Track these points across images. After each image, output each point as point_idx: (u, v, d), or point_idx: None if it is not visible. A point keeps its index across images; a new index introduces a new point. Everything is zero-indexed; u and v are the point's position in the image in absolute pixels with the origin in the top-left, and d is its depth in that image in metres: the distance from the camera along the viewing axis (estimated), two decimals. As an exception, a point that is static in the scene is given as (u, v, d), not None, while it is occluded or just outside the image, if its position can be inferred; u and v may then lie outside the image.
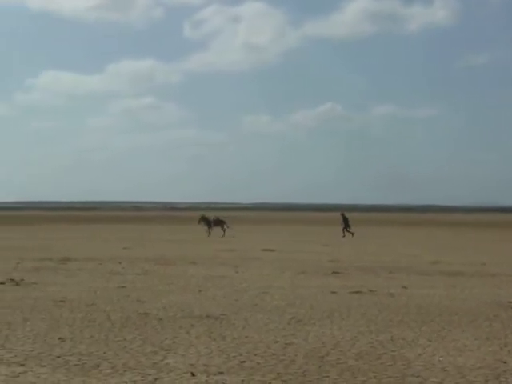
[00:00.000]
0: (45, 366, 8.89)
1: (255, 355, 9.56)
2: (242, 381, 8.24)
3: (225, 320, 12.32)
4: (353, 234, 48.55)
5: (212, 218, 50.59)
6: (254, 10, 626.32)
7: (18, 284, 17.45)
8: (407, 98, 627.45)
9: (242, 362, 9.18)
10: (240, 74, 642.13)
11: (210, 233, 48.25)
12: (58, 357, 9.37)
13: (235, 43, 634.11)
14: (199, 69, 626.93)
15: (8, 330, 11.23)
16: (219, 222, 49.70)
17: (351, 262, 25.27)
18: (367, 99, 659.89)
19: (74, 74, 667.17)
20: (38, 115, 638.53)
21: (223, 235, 47.67)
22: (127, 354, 9.59)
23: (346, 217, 49.63)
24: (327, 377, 8.46)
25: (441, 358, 9.52)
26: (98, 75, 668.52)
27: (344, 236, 48.47)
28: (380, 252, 32.18)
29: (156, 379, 8.26)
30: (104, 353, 9.63)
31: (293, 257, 27.98)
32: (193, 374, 8.47)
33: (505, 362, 9.31)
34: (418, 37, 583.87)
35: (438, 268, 23.51)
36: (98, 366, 8.90)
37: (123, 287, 16.98)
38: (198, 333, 11.11)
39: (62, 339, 10.51)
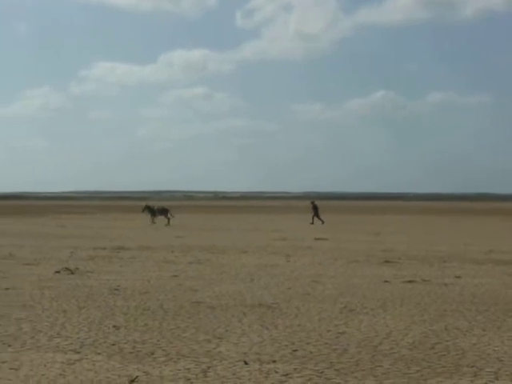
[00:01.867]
0: (100, 353, 9.02)
1: (308, 344, 9.57)
2: (295, 369, 8.26)
3: (277, 309, 12.35)
4: (313, 222, 50.21)
5: (156, 207, 51.56)
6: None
7: (73, 273, 17.70)
8: (461, 85, 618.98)
9: (294, 350, 9.20)
10: (292, 62, 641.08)
11: (153, 221, 49.07)
12: (113, 344, 9.50)
13: (287, 31, 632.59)
14: (251, 58, 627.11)
15: (64, 317, 11.42)
16: (163, 211, 50.57)
17: (404, 251, 25.09)
18: (421, 86, 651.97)
19: (128, 64, 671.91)
20: (93, 106, 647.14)
21: (167, 224, 47.96)
22: (181, 342, 9.68)
23: (316, 205, 51.71)
24: (380, 366, 8.43)
25: (496, 348, 9.42)
26: (151, 65, 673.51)
27: (312, 223, 49.94)
28: (433, 241, 31.89)
29: (209, 367, 8.33)
30: (158, 341, 9.73)
31: (345, 246, 27.90)
32: (246, 363, 8.51)
33: (561, 353, 9.17)
34: (473, 23, 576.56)
35: (491, 257, 23.21)
36: (153, 353, 9.00)
37: (176, 276, 17.12)
38: (250, 321, 11.16)
39: (116, 327, 10.65)
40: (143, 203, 52.89)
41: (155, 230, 40.97)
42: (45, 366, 8.36)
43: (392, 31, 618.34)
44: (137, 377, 7.88)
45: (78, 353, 9.03)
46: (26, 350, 9.14)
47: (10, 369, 8.21)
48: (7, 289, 14.70)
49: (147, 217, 50.67)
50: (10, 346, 9.40)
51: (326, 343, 9.62)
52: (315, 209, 51.46)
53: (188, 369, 8.25)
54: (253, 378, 7.90)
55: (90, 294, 13.99)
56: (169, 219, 49.06)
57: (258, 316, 11.62)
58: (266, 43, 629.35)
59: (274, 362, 8.60)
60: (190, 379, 7.85)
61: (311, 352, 9.12)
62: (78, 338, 9.90)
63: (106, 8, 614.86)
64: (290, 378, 7.94)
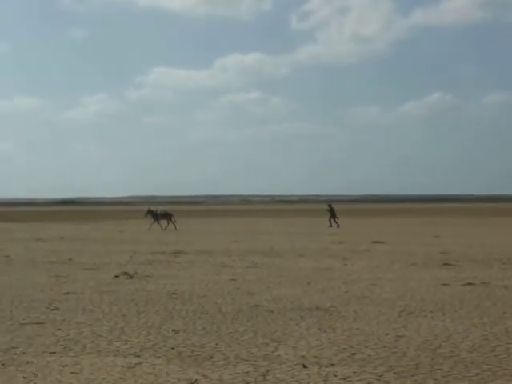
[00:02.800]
0: (159, 357, 9.09)
1: (366, 347, 9.51)
2: (354, 373, 8.22)
3: (335, 312, 12.31)
4: (331, 225, 50.59)
5: (159, 212, 51.19)
6: (361, 1, 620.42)
7: (131, 277, 17.89)
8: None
9: (353, 354, 9.16)
10: (347, 65, 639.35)
11: (154, 225, 48.74)
12: (172, 348, 9.57)
13: (343, 34, 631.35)
14: (306, 61, 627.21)
15: (123, 322, 11.54)
16: (166, 216, 50.33)
17: (463, 254, 24.78)
18: (478, 88, 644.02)
19: (183, 69, 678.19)
20: (148, 111, 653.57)
21: (175, 228, 47.83)
22: (239, 345, 9.71)
23: (332, 208, 52.54)
24: (440, 369, 8.34)
25: (559, 352, 9.24)
26: (206, 70, 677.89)
27: (330, 226, 50.56)
28: (492, 243, 31.43)
29: (268, 370, 8.33)
30: (216, 344, 9.77)
31: (403, 249, 27.67)
32: (304, 366, 8.50)
33: None
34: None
35: (554, 259, 22.78)
36: (212, 357, 9.04)
37: (233, 280, 17.18)
38: (308, 325, 11.14)
39: (175, 331, 10.72)
40: (147, 208, 52.64)
41: (213, 235, 41.14)
42: (105, 369, 8.45)
43: (448, 32, 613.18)
44: (196, 380, 7.93)
45: (138, 356, 9.11)
46: (87, 354, 9.26)
47: (71, 373, 8.32)
48: (67, 293, 14.93)
49: (156, 221, 50.21)
50: (70, 349, 9.54)
51: (385, 346, 9.55)
52: (332, 211, 52.26)
53: (247, 372, 8.27)
54: (312, 382, 7.87)
55: (148, 299, 14.12)
56: (174, 223, 49.04)
57: (316, 319, 11.59)
58: (321, 46, 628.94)
59: (333, 365, 8.57)
60: (249, 383, 7.86)
61: (370, 355, 9.06)
62: (138, 341, 10.00)
63: (162, 13, 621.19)
64: (349, 381, 7.90)
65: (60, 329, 10.96)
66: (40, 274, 18.72)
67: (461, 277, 17.46)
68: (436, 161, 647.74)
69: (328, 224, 51.44)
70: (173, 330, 10.76)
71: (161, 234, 41.85)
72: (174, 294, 14.78)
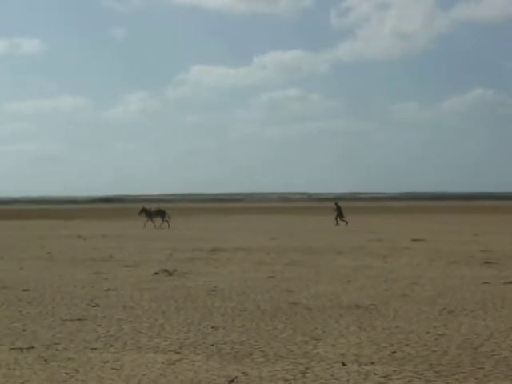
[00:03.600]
0: (199, 353, 9.13)
1: (406, 345, 9.46)
2: (394, 371, 8.18)
3: (374, 310, 12.26)
4: (346, 222, 50.31)
5: (153, 210, 51.22)
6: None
7: (171, 274, 17.98)
8: None
9: (393, 352, 9.11)
10: (388, 61, 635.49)
11: (148, 224, 48.47)
12: (212, 345, 9.61)
13: (383, 30, 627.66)
14: (346, 58, 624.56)
15: (163, 318, 11.61)
16: (160, 213, 50.38)
17: (504, 252, 24.51)
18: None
19: (222, 67, 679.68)
20: (188, 109, 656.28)
21: (168, 226, 47.86)
22: (278, 343, 9.72)
23: (339, 206, 51.94)
24: (481, 368, 8.27)
25: None
26: (245, 68, 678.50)
27: (337, 224, 50.16)
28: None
29: (307, 368, 8.33)
30: (256, 341, 9.79)
31: (443, 246, 27.44)
32: (344, 364, 8.48)
33: None
34: None
35: None
36: (251, 354, 9.06)
37: (272, 277, 17.19)
38: (347, 323, 11.11)
39: (214, 328, 10.76)
40: (141, 206, 53.16)
41: (251, 232, 41.19)
42: (146, 366, 8.52)
43: (490, 27, 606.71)
44: (236, 377, 7.95)
45: (178, 353, 9.16)
46: (128, 351, 9.34)
47: (112, 369, 8.40)
48: (108, 290, 15.06)
49: (150, 219, 50.31)
50: (111, 346, 9.63)
51: (425, 345, 9.49)
52: (338, 209, 51.88)
53: (286, 370, 8.27)
54: (351, 380, 7.86)
55: (188, 295, 14.19)
56: (167, 221, 49.24)
57: (356, 317, 11.56)
58: (362, 42, 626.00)
59: (373, 363, 8.54)
60: (288, 380, 7.87)
61: (410, 354, 9.02)
62: (178, 338, 10.06)
63: (201, 11, 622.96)
64: (390, 379, 7.87)
65: (101, 325, 11.07)
66: (81, 271, 18.91)
67: (502, 275, 17.28)
68: (475, 158, 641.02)
69: (334, 222, 51.25)
70: (212, 327, 10.81)
71: (200, 232, 42.00)
72: (213, 290, 14.83)
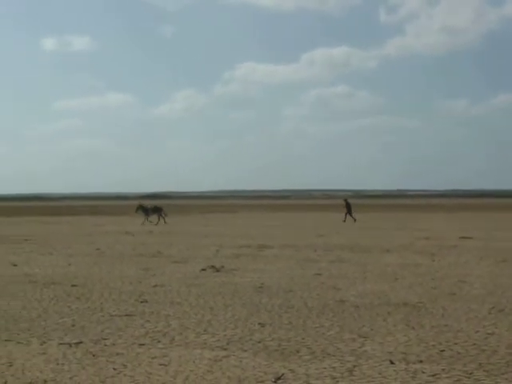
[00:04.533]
0: (246, 350, 9.14)
1: (455, 344, 9.36)
2: (443, 370, 8.10)
3: (422, 308, 12.16)
4: (355, 219, 50.35)
5: (149, 206, 51.88)
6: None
7: (218, 270, 18.04)
8: None
9: (441, 350, 9.02)
10: (436, 57, 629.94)
11: (147, 220, 49.18)
12: (259, 342, 9.61)
13: (432, 26, 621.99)
14: (395, 54, 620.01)
15: (210, 314, 11.65)
16: (157, 210, 50.91)
17: (555, 250, 24.12)
18: None
19: (270, 64, 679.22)
20: (236, 106, 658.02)
21: (164, 222, 48.62)
22: (325, 340, 9.69)
23: (348, 203, 52.44)
24: (532, 368, 8.14)
25: None
26: (293, 64, 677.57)
27: (345, 221, 50.51)
28: None
29: (355, 366, 8.29)
30: (303, 339, 9.77)
31: (492, 245, 27.11)
32: (392, 362, 8.42)
33: None
34: None
35: None
36: (298, 351, 9.05)
37: (319, 274, 17.14)
38: (395, 321, 11.03)
39: (261, 324, 10.77)
40: (138, 203, 53.90)
41: (298, 229, 41.15)
42: (193, 362, 8.55)
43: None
44: (282, 374, 7.94)
45: (225, 349, 9.18)
46: (175, 347, 9.39)
47: (160, 364, 8.44)
48: (156, 286, 15.16)
49: (147, 216, 50.61)
50: (159, 342, 9.68)
51: (475, 344, 9.38)
52: (348, 206, 52.07)
53: (333, 367, 8.24)
54: (399, 378, 7.80)
55: (235, 292, 14.22)
56: (164, 218, 49.83)
57: (403, 315, 11.47)
58: (410, 38, 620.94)
59: (421, 362, 8.47)
60: (335, 378, 7.84)
61: (459, 352, 8.92)
62: (225, 334, 10.08)
63: (250, 8, 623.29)
64: (438, 378, 7.80)
65: (149, 321, 11.14)
66: (129, 267, 19.07)
67: (553, 274, 17.01)
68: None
69: (343, 219, 51.55)
70: (259, 324, 10.81)
71: (245, 228, 42.07)
72: (260, 287, 14.84)
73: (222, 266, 18.79)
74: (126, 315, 11.63)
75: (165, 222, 49.00)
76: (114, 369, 8.25)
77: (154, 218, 50.03)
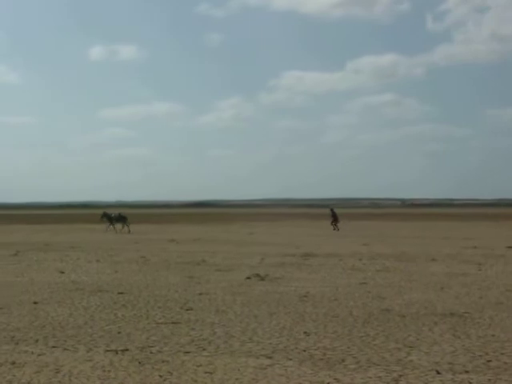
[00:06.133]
0: (291, 359, 9.13)
1: (502, 354, 9.25)
2: (489, 380, 8.01)
3: (469, 318, 12.03)
4: (338, 229, 51.81)
5: (113, 215, 52.81)
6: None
7: (263, 279, 18.05)
8: None
9: (488, 361, 8.92)
10: (485, 65, 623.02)
11: (110, 228, 50.55)
12: (304, 350, 9.60)
13: (480, 34, 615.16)
14: (442, 61, 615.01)
15: (255, 323, 11.66)
16: (121, 219, 51.99)
17: None
18: None
19: (316, 72, 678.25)
20: (281, 115, 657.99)
21: (128, 231, 49.41)
22: (371, 349, 9.64)
23: (334, 212, 54.33)
24: None
25: None
26: (339, 72, 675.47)
27: (334, 229, 51.94)
28: None
29: (401, 376, 8.23)
30: (348, 348, 9.74)
31: (540, 254, 26.70)
32: (438, 372, 8.35)
33: None
34: None
35: None
36: (343, 360, 9.01)
37: (364, 283, 17.06)
38: (441, 330, 10.93)
39: (306, 333, 10.75)
40: (102, 211, 55.76)
41: (343, 238, 40.99)
42: (238, 370, 8.57)
43: None
44: (328, 383, 7.92)
45: (270, 358, 9.18)
46: (220, 354, 9.41)
47: (205, 372, 8.48)
48: (201, 294, 15.22)
49: (111, 224, 51.98)
50: (204, 349, 9.72)
51: (523, 355, 9.25)
52: (334, 215, 53.84)
53: (379, 377, 8.20)
54: (445, 389, 7.73)
55: (279, 300, 14.21)
56: (128, 226, 50.72)
57: (450, 325, 11.37)
58: (458, 46, 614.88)
59: (467, 372, 8.38)
60: (380, 387, 7.79)
61: (506, 363, 8.81)
62: (270, 343, 10.08)
63: (297, 16, 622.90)
64: (485, 389, 7.71)
65: (194, 329, 11.19)
66: (174, 275, 19.18)
67: None
68: None
69: (332, 227, 52.83)
70: (304, 333, 10.79)
71: (289, 237, 42.02)
72: (304, 296, 14.82)
73: (267, 275, 18.80)
74: (172, 323, 11.69)
75: (129, 231, 49.96)
76: (160, 376, 8.31)
77: (117, 225, 51.58)
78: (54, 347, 9.90)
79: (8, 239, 40.99)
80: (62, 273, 19.95)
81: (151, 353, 9.53)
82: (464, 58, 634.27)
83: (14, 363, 8.96)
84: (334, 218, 53.45)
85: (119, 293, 15.48)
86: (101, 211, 59.84)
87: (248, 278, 18.27)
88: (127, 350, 9.71)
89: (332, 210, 55.25)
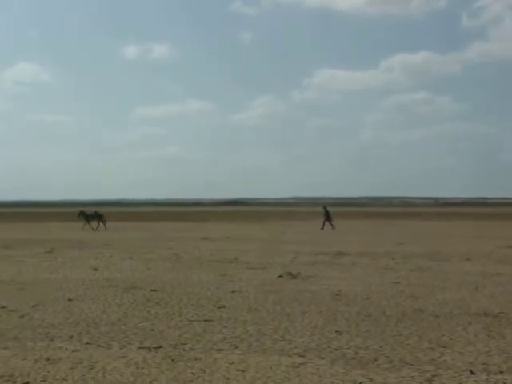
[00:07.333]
0: (323, 358, 9.10)
1: (538, 356, 9.15)
2: (525, 382, 7.92)
3: (504, 318, 11.92)
4: (334, 227, 51.45)
5: (89, 213, 53.32)
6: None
7: (295, 277, 18.04)
8: None
9: (523, 362, 8.83)
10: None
11: (87, 226, 51.38)
12: (336, 349, 9.57)
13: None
14: (477, 59, 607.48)
15: (287, 321, 11.66)
16: (97, 216, 52.55)
17: None
18: None
19: (349, 70, 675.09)
20: (314, 113, 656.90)
21: (105, 228, 50.44)
22: (404, 349, 9.58)
23: (327, 211, 53.79)
24: None
25: None
26: (371, 70, 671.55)
27: (322, 228, 51.29)
28: None
29: (434, 376, 8.18)
30: (381, 347, 9.69)
31: None
32: (472, 372, 8.28)
33: None
34: None
35: None
36: (376, 360, 8.97)
37: (397, 283, 16.98)
38: (475, 330, 10.85)
39: (339, 332, 10.72)
40: (79, 210, 56.54)
41: (375, 237, 40.83)
42: (270, 368, 8.56)
43: None
44: (361, 383, 7.89)
45: (302, 356, 9.17)
46: (253, 352, 9.42)
47: (238, 370, 8.48)
48: (233, 292, 15.25)
49: (87, 222, 52.36)
50: (237, 347, 9.73)
51: (558, 356, 9.15)
52: (327, 214, 53.41)
53: (412, 377, 8.15)
54: (480, 389, 7.66)
55: (312, 299, 14.19)
56: (104, 223, 51.67)
57: (484, 325, 11.27)
58: (494, 43, 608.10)
59: (502, 372, 8.30)
60: (414, 387, 7.75)
61: (542, 364, 8.71)
62: (302, 341, 10.07)
63: (331, 13, 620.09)
64: (520, 390, 7.63)
65: (227, 326, 11.21)
66: (207, 273, 19.23)
67: None
68: None
69: (321, 226, 52.52)
70: (336, 331, 10.77)
71: (322, 235, 41.94)
72: (337, 295, 14.78)
73: (299, 273, 18.78)
74: (205, 320, 11.73)
75: (105, 228, 50.86)
76: (193, 373, 8.33)
77: (94, 223, 52.14)
78: (88, 344, 9.98)
79: (44, 236, 41.39)
80: (96, 270, 20.10)
81: (184, 350, 9.56)
82: (499, 55, 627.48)
83: (48, 359, 9.04)
84: (327, 217, 53.33)
85: (152, 290, 15.55)
86: (133, 209, 60.91)
87: (280, 276, 18.27)
88: (160, 347, 9.75)
89: (325, 208, 55.09)
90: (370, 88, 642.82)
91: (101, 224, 52.16)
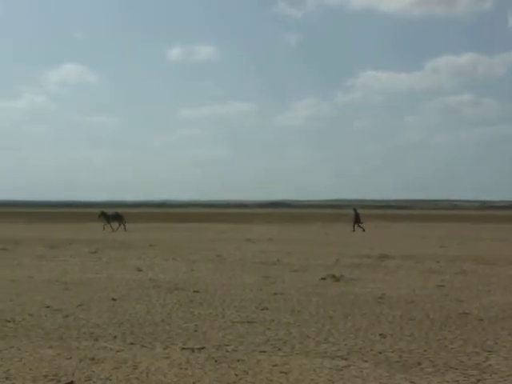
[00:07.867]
0: (367, 361, 9.06)
1: None
2: None
3: (550, 323, 11.75)
4: (363, 229, 51.50)
5: (110, 214, 53.57)
6: None
7: (338, 280, 17.98)
8: None
9: None
10: None
11: (110, 227, 51.63)
12: (380, 353, 9.52)
13: None
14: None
15: (330, 324, 11.62)
16: (117, 217, 52.83)
17: None
18: None
19: (393, 72, 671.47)
20: (358, 114, 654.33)
21: (124, 229, 50.42)
22: (448, 353, 9.50)
23: (357, 213, 53.81)
24: None
25: None
26: (416, 72, 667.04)
27: (354, 230, 51.27)
28: None
29: (479, 380, 8.09)
30: (425, 351, 9.62)
31: None
32: (517, 378, 8.18)
33: None
34: None
35: None
36: (420, 363, 8.91)
37: (442, 286, 16.83)
38: (521, 335, 10.71)
39: (382, 335, 10.66)
40: (100, 211, 56.58)
41: (420, 240, 40.53)
42: (314, 371, 8.55)
43: None
44: (404, 386, 7.84)
45: (346, 359, 9.14)
46: (296, 355, 9.41)
47: (281, 372, 8.48)
48: (276, 294, 15.25)
49: (108, 223, 52.69)
50: (280, 349, 9.73)
51: None
52: (357, 216, 53.33)
53: (457, 381, 8.07)
54: (525, 395, 7.57)
55: (355, 302, 14.14)
56: (124, 225, 51.73)
57: (530, 330, 11.12)
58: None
59: (549, 379, 8.19)
60: (458, 392, 7.68)
61: None
62: (345, 344, 10.03)
63: (375, 15, 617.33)
64: None
65: (269, 328, 11.22)
66: (250, 274, 19.26)
67: None
68: None
69: (351, 229, 52.29)
70: (380, 335, 10.71)
71: (365, 238, 41.75)
72: (380, 298, 14.71)
73: (342, 276, 18.72)
74: (248, 322, 11.74)
75: (125, 229, 50.95)
76: (236, 375, 8.35)
77: (114, 224, 52.50)
78: (132, 344, 10.05)
79: (89, 237, 41.83)
80: (140, 270, 20.25)
81: (227, 351, 9.58)
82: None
83: (93, 359, 9.12)
84: (357, 219, 53.09)
85: (195, 291, 15.62)
86: (177, 210, 61.45)
87: (323, 278, 18.22)
88: (203, 348, 9.78)
89: (355, 210, 55.01)
90: (414, 89, 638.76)
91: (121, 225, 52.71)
